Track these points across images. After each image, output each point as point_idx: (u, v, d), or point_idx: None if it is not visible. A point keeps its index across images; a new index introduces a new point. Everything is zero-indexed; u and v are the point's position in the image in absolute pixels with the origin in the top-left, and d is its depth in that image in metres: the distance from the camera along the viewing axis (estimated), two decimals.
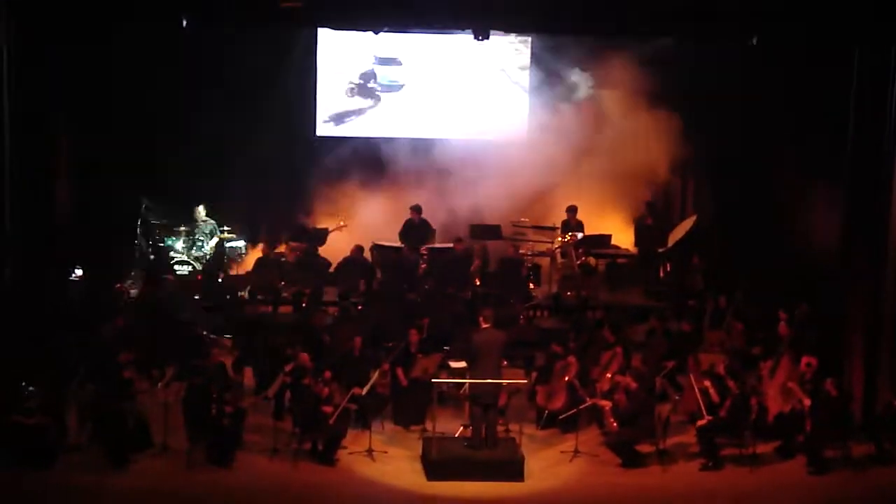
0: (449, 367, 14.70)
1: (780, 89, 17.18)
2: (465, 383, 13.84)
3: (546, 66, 20.53)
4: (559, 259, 18.99)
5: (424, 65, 20.91)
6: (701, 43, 18.46)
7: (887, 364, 14.61)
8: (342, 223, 19.25)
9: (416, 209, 19.09)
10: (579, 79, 20.44)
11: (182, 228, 19.12)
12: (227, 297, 17.73)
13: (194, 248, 19.02)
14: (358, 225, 19.62)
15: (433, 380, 14.04)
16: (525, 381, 14.90)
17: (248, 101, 19.59)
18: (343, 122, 21.07)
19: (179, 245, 18.97)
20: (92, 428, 13.49)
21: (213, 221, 19.30)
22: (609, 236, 19.33)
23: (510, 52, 20.83)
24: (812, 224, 16.41)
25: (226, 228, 19.36)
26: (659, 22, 15.88)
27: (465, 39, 17.70)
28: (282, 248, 18.93)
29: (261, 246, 19.06)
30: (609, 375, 14.33)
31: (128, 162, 18.58)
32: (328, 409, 13.39)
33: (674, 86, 19.53)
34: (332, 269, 18.28)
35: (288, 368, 13.89)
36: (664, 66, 19.45)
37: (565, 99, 20.35)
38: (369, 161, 20.56)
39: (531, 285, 18.65)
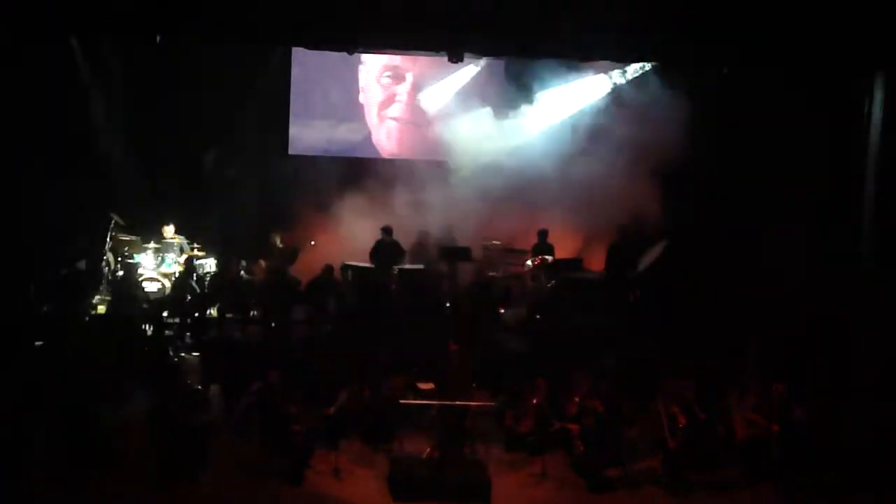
0: (418, 388, 14.68)
1: (759, 113, 17.39)
2: (433, 404, 13.83)
3: (519, 86, 20.62)
4: (529, 282, 19.02)
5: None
6: (675, 69, 18.62)
7: (856, 390, 14.70)
8: (312, 242, 19.20)
9: (387, 230, 19.07)
10: (552, 100, 20.49)
11: (150, 245, 19.02)
12: (196, 314, 17.64)
13: (163, 265, 18.92)
14: (328, 244, 19.56)
15: (402, 401, 14.01)
16: (493, 404, 14.88)
17: (221, 119, 19.59)
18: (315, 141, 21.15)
19: (148, 262, 18.86)
20: (57, 444, 13.37)
21: (182, 238, 19.22)
22: (580, 259, 19.37)
23: (485, 72, 20.95)
24: (784, 250, 16.56)
25: (195, 246, 19.28)
26: (632, 48, 16.03)
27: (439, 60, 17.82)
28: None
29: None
30: (577, 399, 14.34)
31: (97, 177, 18.52)
32: (296, 428, 13.33)
33: (650, 108, 19.59)
34: (301, 289, 18.22)
35: (256, 387, 13.83)
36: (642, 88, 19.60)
37: (538, 120, 20.40)
38: (340, 181, 20.56)
39: (501, 308, 18.66)
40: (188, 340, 17.02)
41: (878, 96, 15.17)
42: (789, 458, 13.46)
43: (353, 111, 21.18)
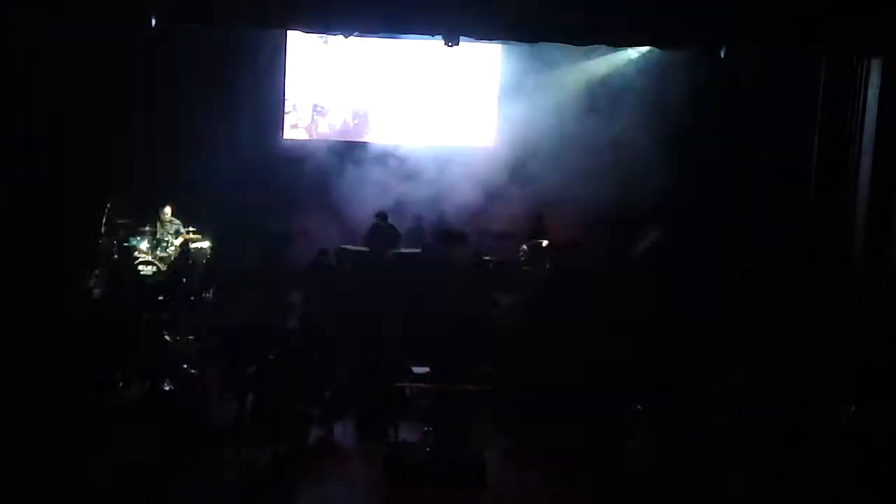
0: (414, 371, 14.69)
1: (750, 95, 17.41)
2: (429, 388, 13.85)
3: (515, 70, 20.60)
4: (526, 266, 19.01)
5: (393, 70, 21.00)
6: (671, 51, 18.56)
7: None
8: (305, 227, 19.18)
9: (382, 216, 19.06)
10: (549, 82, 20.45)
11: (147, 228, 18.98)
12: (192, 298, 17.63)
13: (159, 248, 18.89)
14: (323, 229, 19.53)
15: (398, 384, 14.03)
16: (490, 387, 14.89)
17: (217, 102, 19.54)
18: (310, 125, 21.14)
19: (144, 245, 18.82)
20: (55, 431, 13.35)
21: (178, 222, 19.20)
22: (579, 244, 19.34)
23: (479, 56, 20.91)
24: (777, 236, 16.58)
25: (191, 229, 19.25)
26: (631, 31, 15.96)
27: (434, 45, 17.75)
28: None
29: None
30: (574, 385, 14.35)
31: (93, 160, 18.46)
32: (293, 411, 13.35)
33: (648, 93, 19.53)
34: (297, 273, 18.20)
35: (252, 370, 13.84)
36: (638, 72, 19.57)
37: (535, 104, 20.36)
38: (335, 165, 20.53)
39: (497, 292, 18.64)
40: (184, 324, 16.98)
41: (875, 82, 15.12)
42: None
43: (349, 96, 21.15)
